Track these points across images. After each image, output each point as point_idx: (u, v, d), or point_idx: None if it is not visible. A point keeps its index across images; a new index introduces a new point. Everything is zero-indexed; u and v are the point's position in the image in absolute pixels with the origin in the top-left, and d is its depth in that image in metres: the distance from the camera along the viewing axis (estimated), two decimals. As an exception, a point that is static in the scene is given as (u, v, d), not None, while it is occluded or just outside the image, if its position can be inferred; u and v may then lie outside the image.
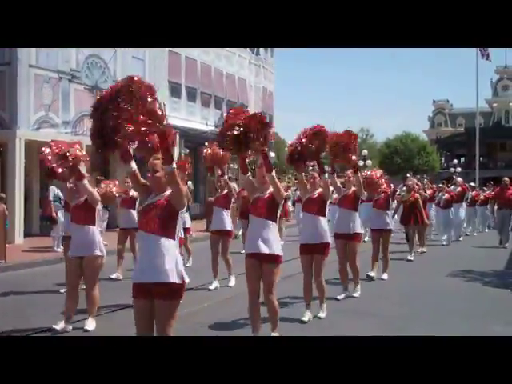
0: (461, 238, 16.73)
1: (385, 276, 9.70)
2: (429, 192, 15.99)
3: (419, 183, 16.18)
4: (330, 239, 6.74)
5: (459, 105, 68.29)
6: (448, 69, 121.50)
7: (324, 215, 6.73)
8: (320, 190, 6.71)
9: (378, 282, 9.54)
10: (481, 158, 43.75)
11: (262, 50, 28.83)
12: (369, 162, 44.12)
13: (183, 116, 22.42)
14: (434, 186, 18.62)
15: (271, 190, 5.52)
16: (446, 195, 15.60)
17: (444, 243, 15.33)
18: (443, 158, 61.15)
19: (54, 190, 12.96)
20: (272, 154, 18.51)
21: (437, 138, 61.72)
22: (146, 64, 19.92)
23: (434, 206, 16.24)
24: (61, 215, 11.91)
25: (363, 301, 8.06)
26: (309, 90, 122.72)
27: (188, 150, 22.05)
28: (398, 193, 14.38)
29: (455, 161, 55.37)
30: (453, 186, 17.96)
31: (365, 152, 43.39)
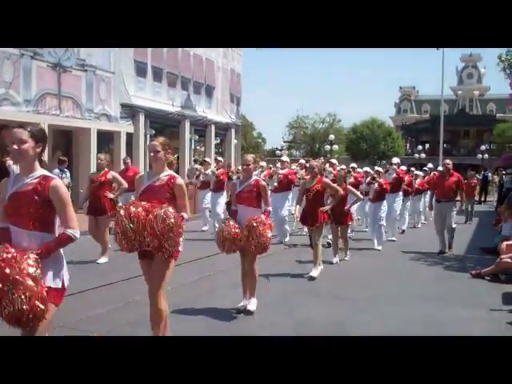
0: (394, 238, 13.11)
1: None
2: (351, 180, 12.54)
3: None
4: None
5: (425, 92, 69.29)
6: (414, 56, 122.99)
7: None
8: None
9: (341, 264, 9.66)
10: (445, 145, 44.49)
11: (230, 31, 28.56)
12: (335, 146, 44.51)
13: (149, 96, 22.13)
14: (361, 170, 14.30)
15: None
16: (376, 185, 11.91)
17: (375, 247, 11.68)
18: (408, 144, 62.04)
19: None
20: None
21: (402, 124, 62.51)
22: (111, 42, 19.53)
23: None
24: None
25: (325, 283, 8.13)
26: (277, 73, 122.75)
27: (154, 132, 21.79)
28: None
29: (419, 147, 56.41)
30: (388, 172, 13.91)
31: (331, 137, 43.71)
